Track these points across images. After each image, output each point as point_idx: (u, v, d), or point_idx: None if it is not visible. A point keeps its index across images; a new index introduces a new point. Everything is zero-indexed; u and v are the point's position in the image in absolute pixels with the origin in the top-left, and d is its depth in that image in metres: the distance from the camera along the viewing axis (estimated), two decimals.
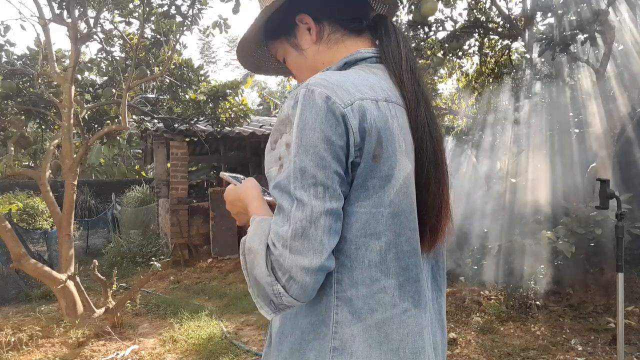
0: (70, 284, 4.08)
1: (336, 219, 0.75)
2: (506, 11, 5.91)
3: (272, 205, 0.88)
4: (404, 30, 6.73)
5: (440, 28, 6.60)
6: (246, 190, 0.90)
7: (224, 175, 1.06)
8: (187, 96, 6.80)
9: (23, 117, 5.61)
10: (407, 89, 0.86)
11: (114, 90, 5.80)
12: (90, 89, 6.16)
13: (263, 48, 1.05)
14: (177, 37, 5.54)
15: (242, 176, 1.02)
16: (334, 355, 0.78)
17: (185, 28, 5.30)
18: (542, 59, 5.01)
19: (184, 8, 5.11)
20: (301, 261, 0.72)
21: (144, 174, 14.99)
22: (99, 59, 5.94)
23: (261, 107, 19.67)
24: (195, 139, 7.85)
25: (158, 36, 5.59)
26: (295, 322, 0.83)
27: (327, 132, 0.74)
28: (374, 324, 0.78)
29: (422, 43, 6.85)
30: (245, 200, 0.89)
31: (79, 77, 5.74)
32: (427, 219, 0.85)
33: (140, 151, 14.55)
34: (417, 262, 0.83)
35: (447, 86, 14.40)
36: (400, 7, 6.70)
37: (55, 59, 4.59)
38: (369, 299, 0.78)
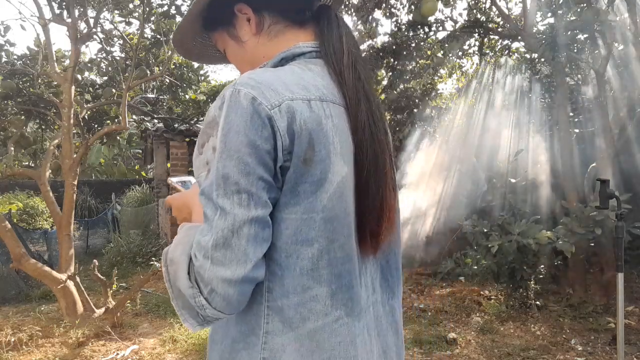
0: (70, 284, 4.08)
1: (263, 226, 0.71)
2: (506, 11, 5.91)
3: None
4: (403, 29, 6.74)
5: (440, 28, 6.60)
6: (193, 196, 0.84)
7: (172, 181, 1.03)
8: (187, 96, 6.81)
9: (23, 117, 5.61)
10: (347, 87, 0.80)
11: (114, 90, 5.81)
12: (90, 89, 6.16)
13: (204, 36, 0.98)
14: None
15: (193, 180, 0.98)
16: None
17: None
18: (542, 59, 5.00)
19: (184, 8, 5.11)
20: (223, 272, 0.68)
21: (144, 174, 14.99)
22: (99, 59, 5.95)
23: None
24: (195, 139, 7.86)
25: (158, 36, 5.59)
26: (226, 330, 0.80)
27: (251, 136, 0.69)
28: (306, 333, 0.74)
29: (422, 43, 6.85)
30: (191, 207, 0.84)
31: (79, 77, 5.74)
32: (366, 223, 0.81)
33: (140, 151, 14.56)
34: (351, 269, 0.78)
35: (447, 86, 14.41)
36: (401, 7, 6.70)
37: (55, 59, 4.59)
38: (301, 307, 0.74)
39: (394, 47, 6.60)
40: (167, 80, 6.25)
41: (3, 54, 5.04)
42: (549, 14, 4.31)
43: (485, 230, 4.66)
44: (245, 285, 0.70)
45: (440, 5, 6.02)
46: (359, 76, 0.83)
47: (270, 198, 0.72)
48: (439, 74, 7.76)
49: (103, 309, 4.18)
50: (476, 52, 7.18)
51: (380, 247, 0.85)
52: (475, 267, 4.59)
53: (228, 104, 0.71)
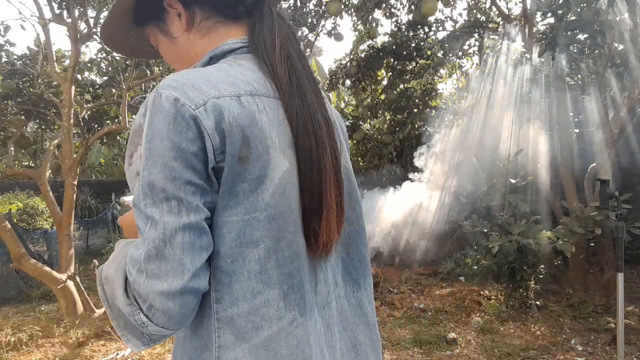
0: (70, 284, 4.08)
1: (199, 233, 0.66)
2: (506, 11, 5.91)
3: None
4: (403, 29, 6.74)
5: (440, 28, 6.61)
6: (130, 223, 0.80)
7: (124, 199, 0.99)
8: None
9: (23, 117, 5.61)
10: (280, 80, 0.76)
11: (114, 90, 5.80)
12: (90, 89, 6.16)
13: (138, 30, 0.93)
14: None
15: None
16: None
17: None
18: (542, 59, 5.01)
19: None
20: (159, 286, 0.64)
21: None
22: (99, 59, 5.95)
23: None
24: None
25: None
26: (183, 347, 0.75)
27: (175, 139, 0.65)
28: (260, 342, 0.70)
29: (422, 43, 6.85)
30: (131, 229, 0.79)
31: (79, 77, 5.74)
32: (308, 219, 0.76)
33: None
34: (300, 267, 0.75)
35: (447, 86, 14.43)
36: (401, 7, 6.71)
37: (55, 59, 4.59)
38: (252, 315, 0.70)
39: (394, 47, 6.60)
40: None
41: (3, 54, 5.04)
42: (549, 14, 4.31)
43: (485, 230, 4.66)
44: (186, 297, 0.66)
45: (440, 5, 6.02)
46: (294, 68, 0.79)
47: (204, 202, 0.68)
48: (439, 74, 7.76)
49: (103, 309, 4.18)
50: (476, 52, 7.19)
51: (324, 245, 0.78)
52: (475, 267, 4.59)
53: (151, 109, 0.68)
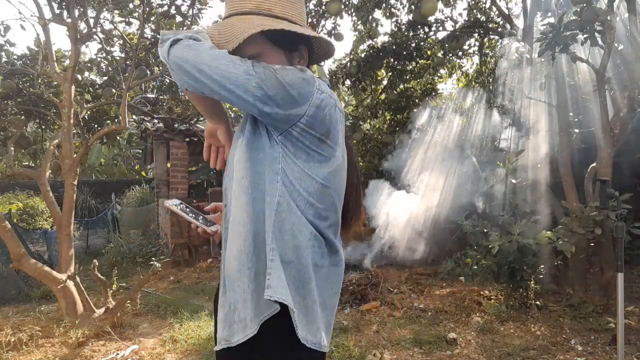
0: (70, 284, 4.08)
1: None
2: (506, 11, 5.91)
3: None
4: (403, 29, 6.75)
5: (440, 28, 6.60)
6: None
7: (168, 204, 1.30)
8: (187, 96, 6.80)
9: (23, 117, 5.60)
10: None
11: (114, 90, 5.80)
12: (90, 89, 6.16)
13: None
14: None
15: (190, 214, 1.27)
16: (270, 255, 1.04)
17: (185, 28, 5.29)
18: (542, 59, 5.00)
19: (184, 8, 5.12)
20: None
21: (144, 174, 14.98)
22: (99, 59, 5.94)
23: None
24: (195, 139, 7.86)
25: (158, 36, 5.58)
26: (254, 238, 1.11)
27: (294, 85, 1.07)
28: (292, 246, 1.09)
29: (422, 43, 6.85)
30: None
31: (79, 77, 5.74)
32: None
33: (140, 151, 14.56)
34: (331, 231, 1.18)
35: (447, 86, 14.43)
36: (401, 7, 6.71)
37: (55, 59, 4.58)
38: (295, 227, 1.07)
39: (394, 47, 6.60)
40: (167, 80, 6.24)
41: (3, 54, 5.04)
42: (549, 14, 4.31)
43: (485, 230, 4.65)
44: None
45: (440, 5, 6.02)
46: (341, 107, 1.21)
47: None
48: (439, 74, 7.76)
49: (103, 309, 4.18)
50: (476, 52, 7.18)
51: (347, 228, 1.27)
52: (475, 267, 4.59)
53: (290, 69, 1.09)
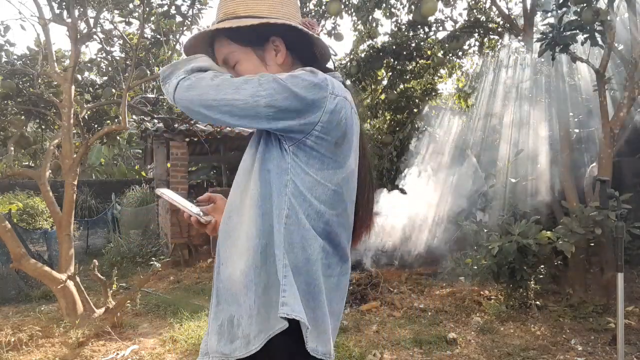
0: (70, 284, 4.08)
1: None
2: (506, 11, 5.91)
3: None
4: (403, 29, 6.75)
5: (440, 28, 6.60)
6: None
7: (162, 191, 1.23)
8: None
9: (23, 117, 5.60)
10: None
11: (114, 90, 5.80)
12: (90, 89, 6.15)
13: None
14: (177, 37, 5.54)
15: (184, 202, 1.21)
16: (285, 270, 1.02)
17: (185, 28, 5.29)
18: (542, 59, 5.00)
19: (184, 8, 5.12)
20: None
21: (144, 174, 14.98)
22: (99, 59, 5.94)
23: None
24: (195, 139, 7.85)
25: (158, 36, 5.58)
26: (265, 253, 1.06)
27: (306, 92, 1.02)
28: (302, 260, 1.06)
29: (422, 43, 6.85)
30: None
31: (79, 77, 5.73)
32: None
33: (140, 151, 14.55)
34: (343, 237, 1.13)
35: (447, 86, 14.43)
36: (401, 7, 6.71)
37: (55, 59, 4.58)
38: (304, 240, 1.04)
39: (394, 47, 6.59)
40: None
41: (3, 54, 5.03)
42: (549, 14, 4.30)
43: (485, 230, 4.65)
44: None
45: (440, 5, 6.02)
46: (357, 109, 1.16)
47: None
48: (439, 74, 7.75)
49: (103, 309, 4.18)
50: (476, 52, 7.18)
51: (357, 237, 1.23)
52: (475, 267, 4.59)
53: (301, 74, 1.03)
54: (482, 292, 4.91)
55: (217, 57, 1.17)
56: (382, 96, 7.46)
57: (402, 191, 6.10)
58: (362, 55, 6.96)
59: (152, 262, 4.23)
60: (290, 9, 1.14)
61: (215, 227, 1.23)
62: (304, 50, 1.18)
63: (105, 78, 6.23)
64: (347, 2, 6.18)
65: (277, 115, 0.98)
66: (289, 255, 1.01)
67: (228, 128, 7.46)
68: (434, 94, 7.68)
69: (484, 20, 6.51)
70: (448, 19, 6.57)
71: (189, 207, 1.21)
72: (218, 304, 1.09)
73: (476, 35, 6.52)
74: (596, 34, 3.86)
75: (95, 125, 6.17)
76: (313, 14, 6.13)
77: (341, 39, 6.54)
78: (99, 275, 4.07)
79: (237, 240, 1.07)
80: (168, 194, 1.22)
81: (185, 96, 1.03)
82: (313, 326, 1.02)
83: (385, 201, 5.99)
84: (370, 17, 6.09)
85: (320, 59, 1.22)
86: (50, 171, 4.45)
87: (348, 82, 7.41)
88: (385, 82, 7.57)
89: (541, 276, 4.57)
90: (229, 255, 1.08)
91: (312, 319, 1.02)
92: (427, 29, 6.64)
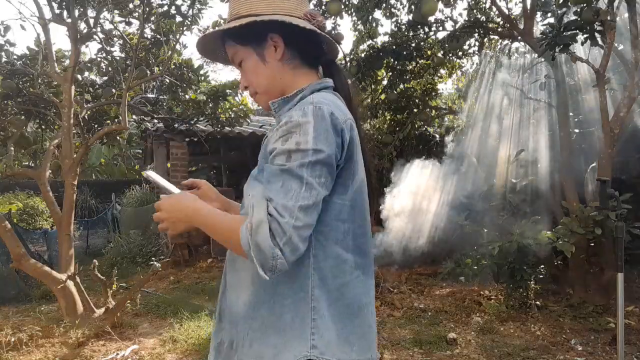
0: (70, 284, 4.08)
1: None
2: (506, 11, 5.91)
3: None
4: (403, 29, 6.75)
5: (440, 28, 6.60)
6: (193, 199, 1.09)
7: (149, 174, 1.23)
8: (187, 96, 6.80)
9: (23, 117, 5.60)
10: (354, 113, 1.13)
11: (114, 90, 5.80)
12: (90, 89, 6.15)
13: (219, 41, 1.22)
14: (177, 37, 5.54)
15: (171, 187, 1.20)
16: (313, 313, 1.02)
17: (185, 28, 5.29)
18: (542, 59, 5.00)
19: (184, 8, 5.11)
20: (300, 231, 0.94)
21: (144, 174, 14.96)
22: (99, 59, 5.94)
23: (261, 107, 19.67)
24: (195, 139, 7.85)
25: (158, 36, 5.58)
26: (274, 290, 1.04)
27: (332, 142, 0.99)
28: (335, 287, 1.05)
29: (422, 43, 6.85)
30: (192, 207, 1.07)
31: (79, 77, 5.73)
32: (371, 212, 1.17)
33: (140, 151, 14.55)
34: (367, 242, 1.12)
35: (447, 86, 14.41)
36: (401, 7, 6.70)
37: (55, 59, 4.58)
38: (334, 268, 1.05)
39: (394, 47, 6.59)
40: (167, 80, 6.24)
41: (3, 54, 5.03)
42: (549, 14, 4.31)
43: (485, 230, 4.65)
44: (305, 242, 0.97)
45: (440, 5, 6.02)
46: (356, 107, 1.19)
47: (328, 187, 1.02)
48: (439, 74, 7.75)
49: (103, 309, 4.18)
50: (476, 52, 7.18)
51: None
52: (475, 267, 4.59)
53: (313, 114, 0.99)
54: (482, 292, 4.91)
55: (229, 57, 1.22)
56: (382, 96, 7.45)
57: (407, 187, 6.09)
58: (362, 55, 6.96)
59: (152, 262, 4.23)
60: (291, 4, 1.14)
61: None
62: (309, 43, 1.17)
63: (105, 78, 6.23)
64: (347, 2, 6.18)
65: (328, 187, 1.01)
66: (322, 290, 1.04)
67: (227, 128, 7.46)
68: (434, 94, 7.68)
69: (484, 20, 6.50)
70: (448, 19, 6.57)
71: (173, 191, 1.21)
72: (220, 321, 1.14)
73: (476, 35, 6.52)
74: (596, 34, 3.86)
75: (95, 125, 6.17)
76: None
77: (341, 39, 6.54)
78: (99, 275, 4.07)
79: (241, 272, 1.10)
80: (154, 177, 1.24)
81: (257, 240, 0.93)
82: (360, 340, 1.08)
83: (386, 201, 5.98)
84: (370, 17, 6.09)
85: (328, 52, 1.23)
86: (50, 171, 4.45)
87: (349, 81, 7.41)
88: (385, 82, 7.56)
89: (541, 276, 4.56)
90: (233, 283, 1.12)
91: (360, 337, 1.08)
92: (427, 29, 6.64)
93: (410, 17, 6.46)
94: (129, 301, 4.38)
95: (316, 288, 1.02)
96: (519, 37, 5.61)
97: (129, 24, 5.39)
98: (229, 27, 1.10)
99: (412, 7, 6.19)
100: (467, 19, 6.51)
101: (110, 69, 5.91)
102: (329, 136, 0.98)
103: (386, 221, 5.86)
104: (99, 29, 5.02)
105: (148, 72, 5.82)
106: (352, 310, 1.07)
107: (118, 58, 5.80)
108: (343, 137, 1.01)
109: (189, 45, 14.36)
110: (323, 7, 5.64)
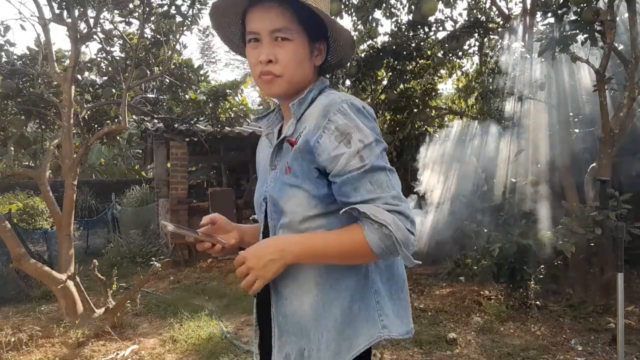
0: (70, 284, 4.08)
1: None
2: (506, 11, 5.91)
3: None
4: (403, 29, 6.75)
5: (440, 28, 6.60)
6: (271, 243, 1.07)
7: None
8: (187, 96, 6.80)
9: (23, 117, 5.60)
10: None
11: (114, 90, 5.80)
12: (90, 89, 6.16)
13: (239, 22, 1.18)
14: (177, 37, 5.54)
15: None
16: (376, 296, 1.10)
17: (185, 28, 5.29)
18: (542, 59, 5.00)
19: (184, 8, 5.11)
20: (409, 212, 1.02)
21: (144, 174, 14.98)
22: (99, 59, 5.94)
23: (261, 107, 19.65)
24: (195, 139, 7.85)
25: (158, 36, 5.58)
26: (340, 285, 1.08)
27: (376, 129, 1.06)
28: (384, 266, 1.13)
29: (422, 43, 6.85)
30: (277, 246, 1.05)
31: (79, 77, 5.73)
32: None
33: (140, 151, 14.55)
34: None
35: (447, 86, 14.42)
36: (401, 7, 6.71)
37: (55, 59, 4.58)
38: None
39: (394, 47, 6.59)
40: (167, 80, 6.23)
41: (3, 54, 5.03)
42: (549, 14, 4.30)
43: (485, 230, 4.65)
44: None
45: (440, 5, 6.02)
46: None
47: None
48: (439, 74, 7.75)
49: (103, 309, 4.18)
50: (476, 52, 7.18)
51: None
52: (475, 267, 4.59)
53: (354, 111, 1.03)
54: (482, 292, 4.91)
55: (258, 22, 1.08)
56: (382, 96, 7.45)
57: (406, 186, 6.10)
58: (362, 55, 6.96)
59: (152, 262, 4.23)
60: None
61: (225, 248, 1.22)
62: (334, 58, 1.23)
63: (105, 78, 6.23)
64: (347, 2, 6.18)
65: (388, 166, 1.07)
66: (376, 272, 1.11)
67: (227, 128, 7.46)
68: (434, 94, 7.68)
69: (484, 20, 6.50)
70: (448, 19, 6.57)
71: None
72: (281, 336, 1.12)
73: (476, 35, 6.52)
74: (596, 34, 3.86)
75: (95, 125, 6.17)
76: None
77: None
78: (99, 275, 4.07)
79: (299, 277, 1.09)
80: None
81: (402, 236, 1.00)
82: (407, 311, 1.20)
83: None
84: (370, 17, 6.09)
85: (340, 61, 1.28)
86: (50, 171, 4.45)
87: (348, 82, 7.42)
88: (385, 82, 7.57)
89: (541, 276, 4.56)
90: (292, 290, 1.10)
91: (405, 308, 1.19)
92: (427, 29, 6.64)
93: (410, 17, 6.46)
94: (129, 301, 4.38)
95: (372, 272, 1.09)
96: (519, 37, 5.61)
97: (129, 24, 5.40)
98: (318, 7, 1.05)
99: (412, 7, 6.19)
100: (467, 19, 6.51)
101: (110, 69, 5.91)
102: (374, 124, 1.06)
103: None
104: (99, 29, 5.02)
105: (148, 72, 5.82)
106: (399, 285, 1.17)
107: (118, 58, 5.80)
108: (376, 122, 1.09)
109: (189, 45, 14.38)
110: None
